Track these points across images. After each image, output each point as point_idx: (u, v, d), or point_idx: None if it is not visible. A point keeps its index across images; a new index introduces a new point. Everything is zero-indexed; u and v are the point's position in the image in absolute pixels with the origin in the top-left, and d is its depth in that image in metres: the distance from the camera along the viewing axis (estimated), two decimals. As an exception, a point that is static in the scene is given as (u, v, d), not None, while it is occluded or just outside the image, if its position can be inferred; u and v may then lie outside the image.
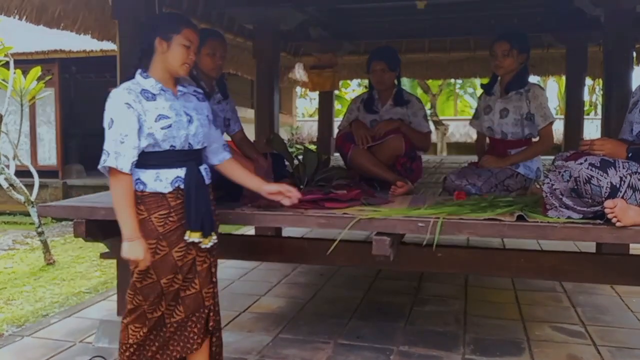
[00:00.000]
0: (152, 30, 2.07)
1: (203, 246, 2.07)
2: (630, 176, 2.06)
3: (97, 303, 3.78)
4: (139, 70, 2.07)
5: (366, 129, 3.31)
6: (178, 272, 2.05)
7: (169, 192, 2.02)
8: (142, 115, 1.97)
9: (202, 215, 2.04)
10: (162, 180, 2.01)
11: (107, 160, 1.95)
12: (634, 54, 4.20)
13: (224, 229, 2.18)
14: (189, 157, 2.07)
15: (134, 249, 1.96)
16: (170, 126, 1.99)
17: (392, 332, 3.16)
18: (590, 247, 4.07)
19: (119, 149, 1.94)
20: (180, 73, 2.08)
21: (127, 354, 2.07)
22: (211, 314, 2.16)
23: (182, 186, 2.03)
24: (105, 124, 1.97)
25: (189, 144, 2.06)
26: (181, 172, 2.04)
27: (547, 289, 3.94)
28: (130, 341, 2.06)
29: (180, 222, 2.04)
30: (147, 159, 2.00)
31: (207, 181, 2.13)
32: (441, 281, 4.11)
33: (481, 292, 3.90)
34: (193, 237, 2.03)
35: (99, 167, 2.00)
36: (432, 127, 3.78)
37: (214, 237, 2.11)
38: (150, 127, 1.97)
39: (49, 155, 8.98)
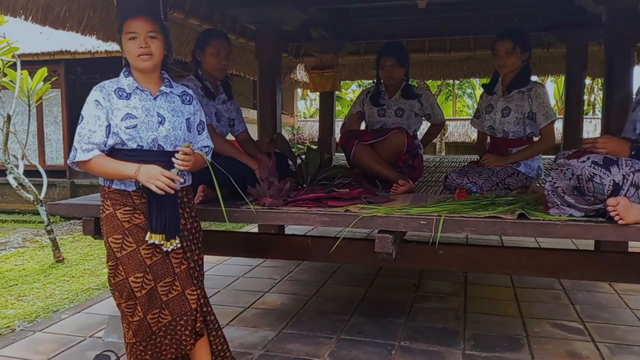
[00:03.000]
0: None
1: (165, 249, 2.03)
2: (634, 174, 2.04)
3: (105, 299, 3.84)
4: (124, 69, 2.10)
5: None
6: (148, 271, 2.02)
7: (133, 191, 2.02)
8: (109, 113, 1.99)
9: (165, 218, 2.00)
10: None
11: (76, 156, 1.98)
12: (635, 52, 4.19)
13: (227, 226, 2.20)
14: (158, 158, 2.02)
15: (145, 173, 1.94)
16: (135, 126, 1.98)
17: (393, 328, 3.20)
18: (588, 245, 4.10)
19: (86, 146, 1.97)
20: (140, 65, 2.03)
21: (126, 350, 2.14)
22: (198, 315, 2.11)
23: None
24: (79, 120, 2.01)
25: (159, 145, 2.03)
26: None
27: (546, 286, 3.97)
28: (126, 340, 2.11)
29: (146, 220, 2.03)
30: (115, 156, 2.00)
31: (179, 185, 2.06)
32: (441, 278, 4.15)
33: (480, 290, 3.93)
34: (154, 238, 2.00)
35: (69, 162, 2.01)
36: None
37: (177, 241, 2.06)
38: (116, 125, 1.98)
39: (56, 155, 9.07)
